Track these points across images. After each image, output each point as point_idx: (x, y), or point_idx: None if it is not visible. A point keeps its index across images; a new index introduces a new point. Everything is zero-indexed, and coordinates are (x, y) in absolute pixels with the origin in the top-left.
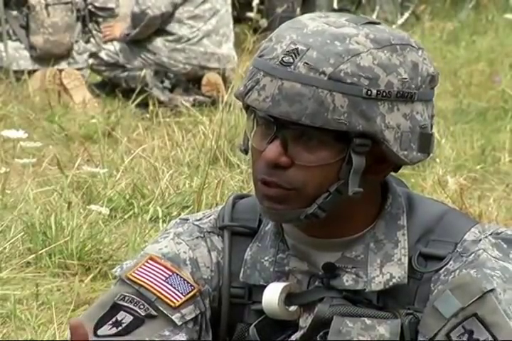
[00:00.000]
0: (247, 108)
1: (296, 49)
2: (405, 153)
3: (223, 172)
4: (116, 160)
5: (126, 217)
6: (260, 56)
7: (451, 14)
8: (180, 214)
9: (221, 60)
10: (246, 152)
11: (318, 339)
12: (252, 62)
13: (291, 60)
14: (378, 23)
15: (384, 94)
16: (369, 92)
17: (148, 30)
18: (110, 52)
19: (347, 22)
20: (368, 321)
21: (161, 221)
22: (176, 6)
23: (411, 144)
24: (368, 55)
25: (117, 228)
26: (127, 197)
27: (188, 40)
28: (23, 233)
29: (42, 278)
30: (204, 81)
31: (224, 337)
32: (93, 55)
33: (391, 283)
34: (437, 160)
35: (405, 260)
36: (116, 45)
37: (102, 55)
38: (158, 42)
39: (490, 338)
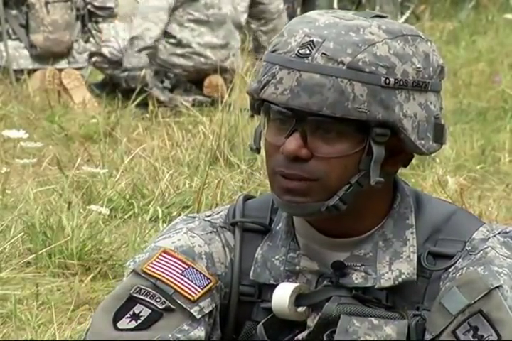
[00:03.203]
0: (260, 104)
1: (312, 41)
2: (422, 142)
3: (223, 172)
4: (116, 160)
5: (126, 217)
6: (273, 51)
7: (451, 14)
8: (180, 214)
9: (221, 70)
10: (258, 151)
11: (325, 338)
12: (264, 58)
13: (308, 52)
14: (385, 17)
15: (401, 82)
16: (387, 81)
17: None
18: (114, 50)
19: (356, 16)
20: (375, 321)
21: (161, 221)
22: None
23: (427, 134)
24: (383, 45)
25: (117, 228)
26: (127, 197)
27: (190, 47)
28: (23, 233)
29: (42, 278)
30: (206, 82)
31: (231, 335)
32: (96, 53)
33: (400, 279)
34: (437, 160)
35: (414, 257)
36: (120, 43)
37: (106, 52)
38: (160, 44)
39: (494, 335)
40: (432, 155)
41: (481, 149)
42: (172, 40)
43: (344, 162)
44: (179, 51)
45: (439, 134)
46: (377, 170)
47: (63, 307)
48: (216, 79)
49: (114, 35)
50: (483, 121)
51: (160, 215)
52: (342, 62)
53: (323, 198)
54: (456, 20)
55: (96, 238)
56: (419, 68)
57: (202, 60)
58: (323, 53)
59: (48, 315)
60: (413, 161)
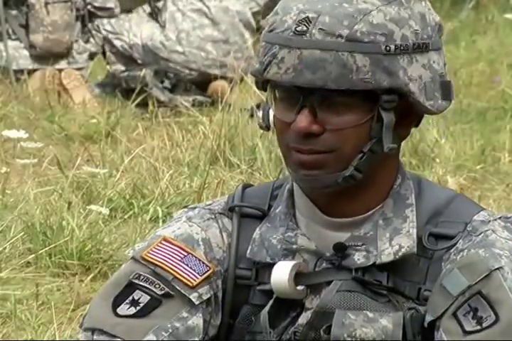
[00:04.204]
0: (265, 83)
1: (307, 17)
2: (431, 102)
3: (223, 172)
4: (116, 160)
5: (126, 217)
6: (270, 31)
7: (451, 14)
8: None
9: (223, 68)
10: (268, 128)
11: (321, 333)
12: (262, 38)
13: (305, 28)
14: None
15: (402, 47)
16: (388, 48)
17: None
18: (126, 45)
19: None
20: (370, 314)
21: (161, 221)
22: None
23: (435, 93)
24: (378, 13)
25: (117, 228)
26: (127, 197)
27: (189, 41)
28: (23, 233)
29: (42, 278)
30: (210, 90)
31: (227, 320)
32: (108, 41)
33: (400, 253)
34: (437, 160)
35: (413, 231)
36: (132, 39)
37: (118, 45)
38: (157, 42)
39: (492, 315)
40: (432, 155)
41: (481, 149)
42: (171, 34)
43: (356, 132)
44: (179, 48)
45: (446, 92)
46: (390, 137)
47: (63, 307)
48: (220, 86)
49: (127, 29)
50: (483, 121)
51: (160, 215)
52: (340, 36)
53: (339, 169)
54: (456, 20)
55: (96, 238)
56: (417, 30)
57: (202, 54)
58: (320, 28)
59: (48, 315)
60: (413, 161)
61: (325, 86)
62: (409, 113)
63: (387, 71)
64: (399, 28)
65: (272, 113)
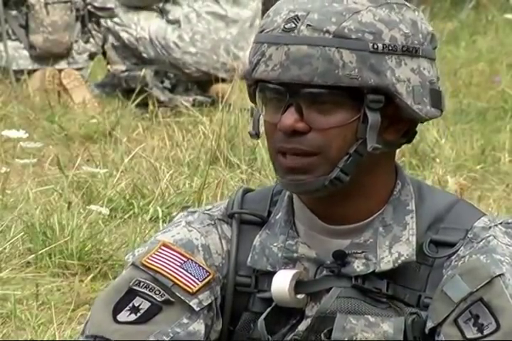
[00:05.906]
0: (255, 88)
1: (296, 15)
2: (419, 106)
3: (223, 172)
4: (116, 160)
5: (126, 217)
6: (261, 31)
7: (451, 14)
8: None
9: (230, 71)
10: (257, 136)
11: (322, 337)
12: (254, 39)
13: (294, 26)
14: None
15: (390, 47)
16: (375, 46)
17: None
18: (131, 37)
19: None
20: (371, 319)
21: (161, 221)
22: None
23: (423, 98)
24: (367, 12)
25: (117, 228)
26: (127, 197)
27: (203, 43)
28: (23, 233)
29: (42, 278)
30: (212, 91)
31: (227, 326)
32: (113, 33)
33: (400, 261)
34: (437, 160)
35: (413, 239)
36: (139, 32)
37: (124, 37)
38: (170, 41)
39: (493, 323)
40: (432, 155)
41: (481, 149)
42: (185, 35)
43: (342, 132)
44: (193, 49)
45: (436, 99)
46: (374, 137)
47: (63, 307)
48: (223, 89)
49: (135, 22)
50: (483, 121)
51: (160, 215)
52: (328, 31)
53: (325, 172)
54: (456, 20)
55: (96, 238)
56: (408, 33)
57: (214, 57)
58: (308, 25)
59: (48, 315)
60: (413, 161)
61: (311, 81)
62: (397, 119)
63: (374, 69)
64: (388, 29)
65: (262, 119)
